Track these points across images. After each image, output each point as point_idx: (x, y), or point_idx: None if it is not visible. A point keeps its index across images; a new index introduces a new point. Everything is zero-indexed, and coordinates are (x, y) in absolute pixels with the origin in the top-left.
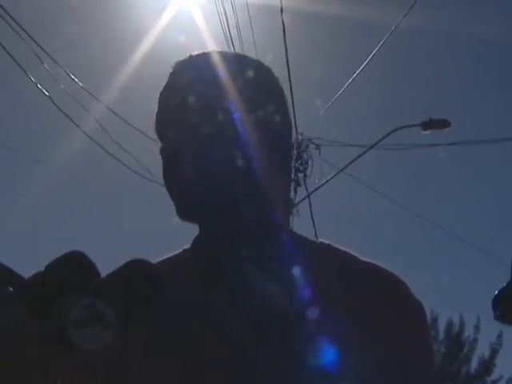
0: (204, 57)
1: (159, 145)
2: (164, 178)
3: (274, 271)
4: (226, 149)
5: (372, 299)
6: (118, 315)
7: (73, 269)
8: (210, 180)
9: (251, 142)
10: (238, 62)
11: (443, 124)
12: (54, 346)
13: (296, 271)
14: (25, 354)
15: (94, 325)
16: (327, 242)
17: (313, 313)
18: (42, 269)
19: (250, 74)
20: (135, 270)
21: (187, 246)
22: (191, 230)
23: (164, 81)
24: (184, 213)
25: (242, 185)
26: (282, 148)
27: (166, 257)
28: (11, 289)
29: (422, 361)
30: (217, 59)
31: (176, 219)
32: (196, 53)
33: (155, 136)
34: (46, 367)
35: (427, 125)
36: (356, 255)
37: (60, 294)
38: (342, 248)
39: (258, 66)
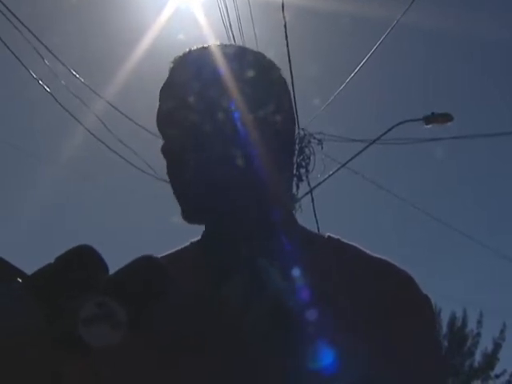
0: (204, 52)
1: (161, 141)
2: (168, 176)
3: (278, 268)
4: (226, 147)
5: (380, 294)
6: (129, 313)
7: (83, 263)
8: (210, 179)
9: (252, 139)
10: (238, 56)
11: (445, 118)
12: (62, 348)
13: (300, 268)
14: (31, 355)
15: (104, 322)
16: (336, 236)
17: (319, 310)
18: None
19: (251, 68)
20: (145, 266)
21: (193, 239)
22: (195, 227)
23: (164, 76)
24: (187, 216)
25: (243, 183)
26: (284, 143)
27: (171, 251)
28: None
29: (430, 356)
30: (217, 54)
31: (179, 216)
32: (196, 47)
33: (156, 132)
34: (51, 368)
35: (429, 119)
36: (364, 250)
37: (69, 290)
38: (350, 242)
39: (260, 59)
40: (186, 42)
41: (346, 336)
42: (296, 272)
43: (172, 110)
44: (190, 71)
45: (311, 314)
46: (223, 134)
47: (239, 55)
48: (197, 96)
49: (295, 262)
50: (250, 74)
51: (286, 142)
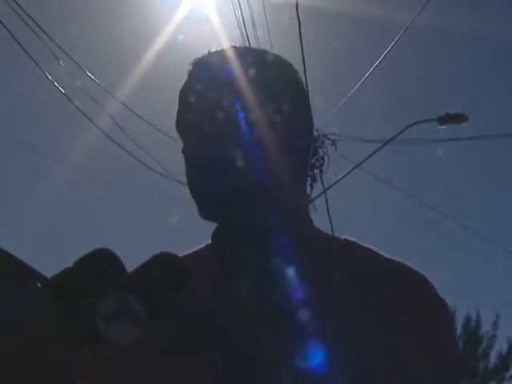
0: (221, 55)
1: (176, 142)
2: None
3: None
4: (227, 148)
5: (397, 298)
6: (147, 308)
7: (102, 265)
8: (210, 180)
9: (256, 139)
10: (242, 56)
11: (460, 118)
12: (80, 346)
13: (301, 270)
14: (51, 353)
15: (123, 318)
16: (352, 239)
17: (317, 312)
18: (65, 266)
19: (254, 67)
20: (163, 261)
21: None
22: (206, 226)
23: (177, 77)
24: (201, 214)
25: (250, 185)
26: (294, 144)
27: (187, 252)
28: (39, 285)
29: (449, 360)
30: (233, 57)
31: (192, 215)
32: (214, 50)
33: (169, 132)
34: (70, 366)
35: (444, 119)
36: (381, 253)
37: (90, 290)
38: (366, 245)
39: (264, 57)
40: (199, 42)
41: (344, 337)
42: (296, 273)
43: (184, 112)
44: (205, 73)
45: (308, 316)
46: (225, 134)
47: (243, 55)
48: (209, 97)
49: (295, 263)
50: (253, 73)
51: (296, 142)
